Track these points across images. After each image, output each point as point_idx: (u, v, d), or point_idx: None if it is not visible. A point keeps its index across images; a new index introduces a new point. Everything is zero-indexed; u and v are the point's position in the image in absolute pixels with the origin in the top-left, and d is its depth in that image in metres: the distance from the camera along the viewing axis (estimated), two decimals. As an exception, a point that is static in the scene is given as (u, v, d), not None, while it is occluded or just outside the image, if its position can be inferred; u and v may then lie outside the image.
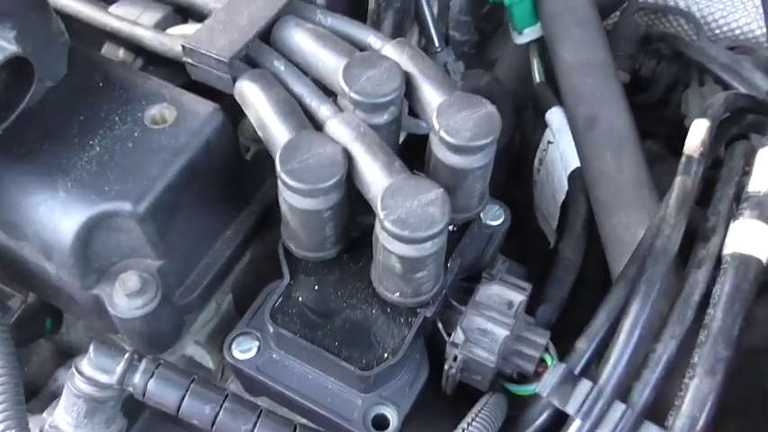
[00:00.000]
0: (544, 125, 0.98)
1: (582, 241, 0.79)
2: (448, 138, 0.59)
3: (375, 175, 0.57)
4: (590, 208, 0.82)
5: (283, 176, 0.56)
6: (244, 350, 0.66)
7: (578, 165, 0.86)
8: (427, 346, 0.68)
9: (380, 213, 0.55)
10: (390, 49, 0.65)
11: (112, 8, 0.75)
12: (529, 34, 1.00)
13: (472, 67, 1.11)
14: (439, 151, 0.61)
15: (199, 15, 0.75)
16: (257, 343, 0.66)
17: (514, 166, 1.11)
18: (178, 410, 0.53)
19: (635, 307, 0.63)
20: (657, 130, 1.11)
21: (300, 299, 0.65)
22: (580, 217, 0.81)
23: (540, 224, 1.00)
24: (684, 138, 0.76)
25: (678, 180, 0.69)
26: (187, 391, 0.53)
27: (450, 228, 0.70)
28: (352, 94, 0.61)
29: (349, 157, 0.59)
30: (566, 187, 0.87)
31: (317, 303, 0.65)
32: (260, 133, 0.62)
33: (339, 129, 0.60)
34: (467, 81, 0.99)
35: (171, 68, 0.70)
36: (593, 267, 0.83)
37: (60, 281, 0.61)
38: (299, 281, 0.66)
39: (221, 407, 0.53)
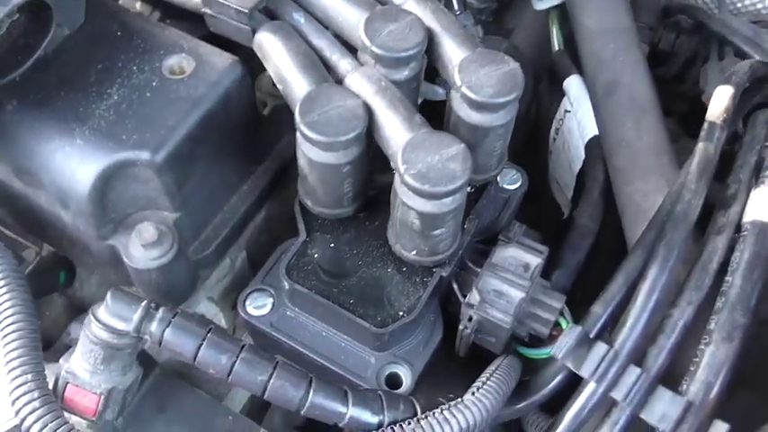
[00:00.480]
0: (560, 95, 0.97)
1: (599, 208, 0.78)
2: (470, 94, 0.58)
3: (396, 130, 0.57)
4: (607, 176, 0.81)
5: (303, 128, 0.56)
6: (258, 306, 0.66)
7: (596, 133, 0.85)
8: (442, 307, 0.68)
9: (401, 167, 0.54)
10: (412, 4, 0.64)
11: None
12: (549, 0, 0.99)
13: (490, 35, 1.10)
14: (460, 108, 0.60)
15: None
16: (271, 300, 0.66)
17: (530, 136, 1.10)
18: (195, 359, 0.53)
19: (653, 271, 0.62)
20: (673, 107, 1.09)
21: (316, 256, 0.65)
22: (597, 184, 0.80)
23: (555, 194, 0.99)
24: (700, 115, 0.75)
25: (700, 146, 0.68)
26: (204, 340, 0.53)
27: (468, 188, 0.69)
28: (374, 48, 0.60)
29: (369, 112, 0.58)
30: (582, 156, 0.86)
31: (332, 261, 0.65)
32: (279, 86, 0.61)
33: (360, 82, 0.59)
34: (486, 46, 0.97)
35: (188, 22, 0.69)
36: (608, 236, 0.82)
37: (76, 230, 0.60)
38: (315, 238, 0.66)
39: (238, 357, 0.53)
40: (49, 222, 0.62)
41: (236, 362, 0.53)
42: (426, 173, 0.54)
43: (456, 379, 0.67)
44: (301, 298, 0.64)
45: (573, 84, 0.93)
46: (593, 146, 0.85)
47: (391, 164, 0.57)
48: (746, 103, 0.79)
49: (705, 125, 0.70)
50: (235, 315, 0.72)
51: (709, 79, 1.04)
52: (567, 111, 0.96)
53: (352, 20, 0.62)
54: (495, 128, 0.60)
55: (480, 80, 0.58)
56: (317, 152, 0.57)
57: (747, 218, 0.66)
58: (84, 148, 0.57)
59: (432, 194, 0.54)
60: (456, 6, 0.90)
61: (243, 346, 0.54)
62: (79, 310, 0.73)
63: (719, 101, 0.71)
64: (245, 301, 0.66)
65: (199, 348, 0.53)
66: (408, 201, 0.56)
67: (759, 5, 1.13)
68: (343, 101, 0.57)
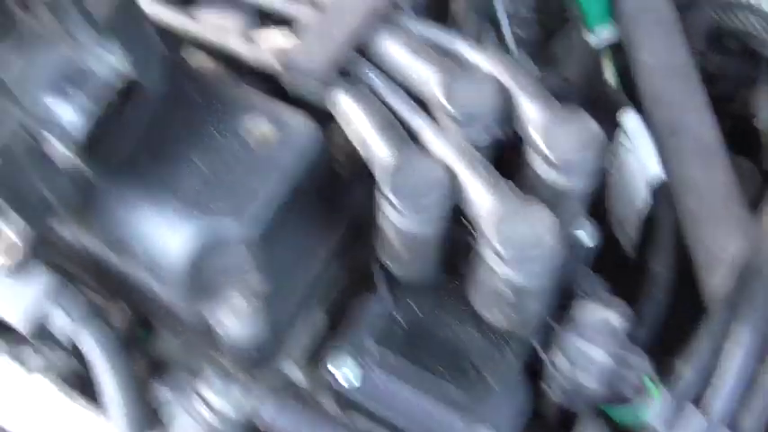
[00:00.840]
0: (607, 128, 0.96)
1: (673, 255, 0.77)
2: (550, 155, 0.57)
3: (482, 197, 0.55)
4: (676, 220, 0.80)
5: (391, 196, 0.55)
6: (341, 369, 0.64)
7: (658, 172, 0.84)
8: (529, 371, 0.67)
9: (495, 240, 0.53)
10: (485, 60, 0.63)
11: (194, 13, 0.73)
12: (600, 33, 0.97)
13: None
14: (542, 170, 0.59)
15: (277, 19, 0.73)
16: (356, 363, 0.64)
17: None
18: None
19: (745, 335, 0.61)
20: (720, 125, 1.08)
21: (401, 321, 0.64)
22: (668, 230, 0.79)
23: (615, 232, 0.98)
24: (749, 137, 0.73)
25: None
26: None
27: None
28: (452, 110, 0.59)
29: (454, 178, 0.57)
30: (645, 196, 0.85)
31: (416, 327, 0.64)
32: (359, 149, 0.60)
33: (441, 146, 0.58)
34: (546, 81, 0.96)
35: (256, 76, 0.68)
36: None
37: (166, 298, 0.60)
38: (398, 300, 0.65)
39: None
40: (137, 288, 0.61)
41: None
42: (524, 249, 0.53)
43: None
44: (390, 364, 0.63)
45: (630, 118, 0.92)
46: (661, 188, 0.83)
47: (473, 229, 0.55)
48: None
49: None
50: (315, 374, 0.70)
51: (761, 104, 1.02)
52: (623, 146, 0.95)
53: (426, 78, 0.61)
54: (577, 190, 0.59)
55: (561, 142, 0.57)
56: (402, 220, 0.56)
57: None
58: (177, 221, 0.56)
59: (529, 272, 0.53)
60: (512, 46, 0.88)
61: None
62: (157, 365, 0.72)
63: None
64: (328, 364, 0.64)
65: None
66: (497, 268, 0.54)
67: (809, 28, 1.12)
68: (427, 167, 0.56)
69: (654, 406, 0.60)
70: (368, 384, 0.63)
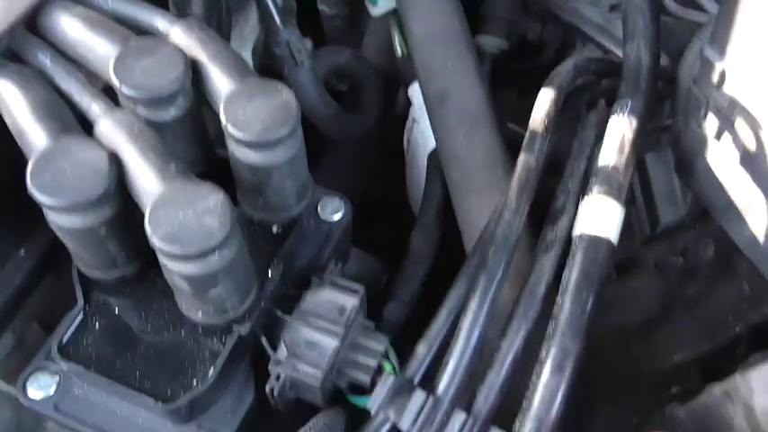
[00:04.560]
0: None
1: (434, 230, 0.73)
2: (236, 133, 0.51)
3: (146, 183, 0.49)
4: (446, 191, 0.75)
5: (34, 192, 0.48)
6: (42, 387, 0.58)
7: (434, 145, 0.79)
8: (259, 364, 0.61)
9: (148, 228, 0.47)
10: (178, 32, 0.56)
11: None
12: (384, 5, 0.92)
13: (345, 43, 1.03)
14: (234, 147, 0.53)
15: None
16: (57, 378, 0.58)
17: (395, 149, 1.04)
18: None
19: (473, 303, 0.57)
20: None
21: (98, 325, 0.57)
22: (434, 203, 0.75)
23: (412, 209, 0.93)
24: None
25: (520, 158, 0.63)
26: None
27: (275, 228, 0.62)
28: (125, 89, 0.52)
29: (120, 164, 0.50)
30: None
31: (116, 329, 0.57)
32: (18, 140, 0.52)
33: (108, 130, 0.51)
34: (322, 59, 0.91)
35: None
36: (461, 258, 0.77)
37: None
38: (97, 304, 0.58)
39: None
40: None
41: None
42: (177, 233, 0.46)
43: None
44: (83, 377, 0.56)
45: (416, 91, 0.87)
46: (433, 159, 0.79)
47: None
48: (580, 99, 0.74)
49: (527, 134, 0.65)
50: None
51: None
52: (414, 120, 0.90)
53: (105, 56, 0.54)
54: (277, 166, 0.54)
55: (248, 116, 0.51)
56: (60, 216, 0.50)
57: (576, 232, 0.61)
58: None
59: (186, 257, 0.47)
60: (277, 19, 0.82)
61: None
62: None
63: (540, 106, 0.66)
64: (25, 383, 0.58)
65: None
66: (168, 264, 0.48)
67: (619, -11, 1.10)
68: (84, 155, 0.49)
69: (376, 388, 0.54)
70: (64, 399, 0.57)
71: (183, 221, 0.47)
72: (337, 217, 0.67)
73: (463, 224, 0.72)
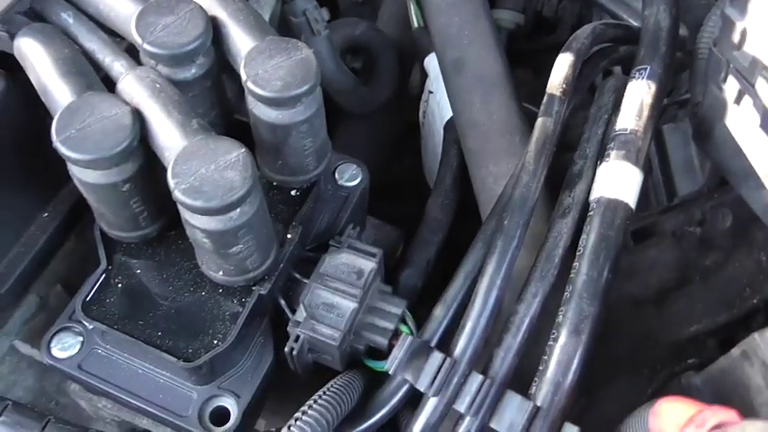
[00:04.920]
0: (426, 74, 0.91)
1: (451, 197, 0.73)
2: (256, 89, 0.51)
3: (169, 138, 0.49)
4: (462, 160, 0.75)
5: (59, 147, 0.48)
6: (65, 348, 0.58)
7: (450, 114, 0.79)
8: (278, 325, 0.62)
9: (171, 182, 0.47)
10: (198, -8, 0.56)
11: None
12: (398, -26, 0.92)
13: (358, 17, 1.03)
14: (254, 106, 0.53)
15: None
16: (81, 338, 0.59)
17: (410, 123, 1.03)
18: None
19: (490, 267, 0.57)
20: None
21: (120, 285, 0.58)
22: (450, 170, 0.75)
23: (428, 182, 0.93)
24: None
25: (538, 122, 0.63)
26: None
27: (293, 192, 0.63)
28: (147, 46, 0.52)
29: (143, 120, 0.51)
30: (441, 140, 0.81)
31: (139, 289, 0.58)
32: (42, 98, 0.53)
33: (131, 86, 0.52)
34: (337, 31, 0.91)
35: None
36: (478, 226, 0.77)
37: None
38: (120, 264, 0.59)
39: (-3, 420, 0.46)
40: None
41: (-6, 427, 0.46)
42: (199, 186, 0.47)
43: (301, 402, 0.61)
44: (106, 335, 0.56)
45: (432, 62, 0.87)
46: (449, 128, 0.79)
47: None
48: (597, 65, 0.74)
49: (544, 98, 0.64)
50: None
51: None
52: (430, 92, 0.90)
53: (127, 14, 0.55)
54: (296, 125, 0.54)
55: (268, 73, 0.51)
56: (84, 172, 0.50)
57: (593, 196, 0.61)
58: None
59: (208, 210, 0.47)
60: (294, -10, 0.82)
61: (6, 406, 0.46)
62: None
63: (558, 71, 0.65)
64: (49, 344, 0.58)
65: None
66: (190, 219, 0.49)
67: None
68: (108, 110, 0.50)
69: (394, 350, 0.55)
70: (88, 358, 0.57)
71: (206, 175, 0.47)
72: (355, 183, 0.67)
73: (479, 191, 0.72)
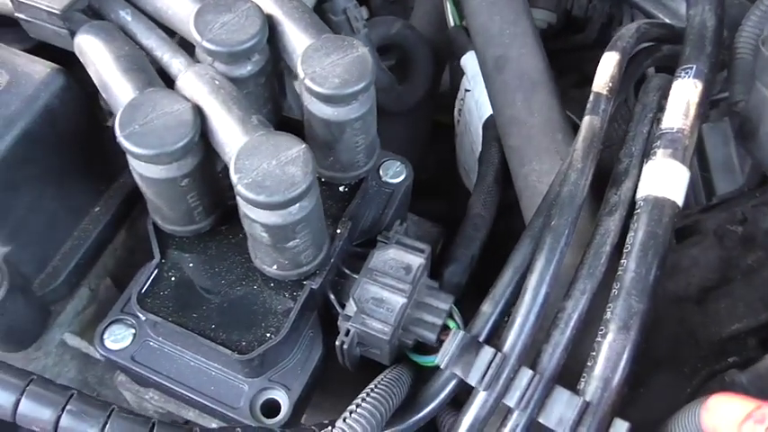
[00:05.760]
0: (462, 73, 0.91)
1: (494, 194, 0.73)
2: (314, 86, 0.52)
3: (229, 134, 0.50)
4: (503, 157, 0.76)
5: (123, 142, 0.49)
6: (118, 339, 0.60)
7: (492, 112, 0.80)
8: (326, 320, 0.62)
9: (234, 177, 0.48)
10: (253, -10, 0.57)
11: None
12: (437, -25, 0.93)
13: (393, 15, 1.03)
14: (309, 102, 0.54)
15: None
16: (133, 330, 0.60)
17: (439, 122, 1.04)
18: (14, 416, 0.46)
19: (540, 263, 0.57)
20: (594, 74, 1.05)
21: (173, 278, 0.59)
22: (492, 168, 0.75)
23: (463, 180, 0.94)
24: None
25: (585, 120, 0.63)
26: (23, 393, 0.47)
27: (341, 188, 0.63)
28: (206, 43, 0.53)
29: (202, 116, 0.51)
30: (480, 138, 0.81)
31: (192, 282, 0.59)
32: (103, 95, 0.54)
33: (191, 83, 0.53)
34: (374, 29, 0.91)
35: (17, 30, 0.61)
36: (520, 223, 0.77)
37: None
38: (172, 258, 0.60)
39: (64, 409, 0.47)
40: None
41: (61, 414, 0.46)
42: (262, 181, 0.47)
43: (349, 396, 0.62)
44: (161, 327, 0.57)
45: (469, 61, 0.88)
46: (489, 126, 0.80)
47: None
48: (641, 63, 0.74)
49: (591, 96, 0.65)
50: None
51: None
52: (466, 90, 0.90)
53: (184, 12, 0.56)
54: (351, 121, 0.54)
55: (325, 70, 0.52)
56: (145, 167, 0.51)
57: (640, 194, 0.61)
58: None
59: (270, 204, 0.48)
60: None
61: (71, 395, 0.47)
62: None
63: (604, 69, 0.66)
64: (102, 335, 0.59)
65: (17, 403, 0.46)
66: (250, 213, 0.50)
67: (668, -37, 1.09)
68: (169, 106, 0.50)
69: (444, 345, 0.55)
70: (141, 350, 0.58)
71: (268, 170, 0.48)
72: (399, 179, 0.68)
73: (522, 188, 0.72)
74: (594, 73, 0.80)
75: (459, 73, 0.97)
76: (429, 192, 0.97)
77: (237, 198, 0.49)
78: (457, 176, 0.98)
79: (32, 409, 0.46)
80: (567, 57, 1.06)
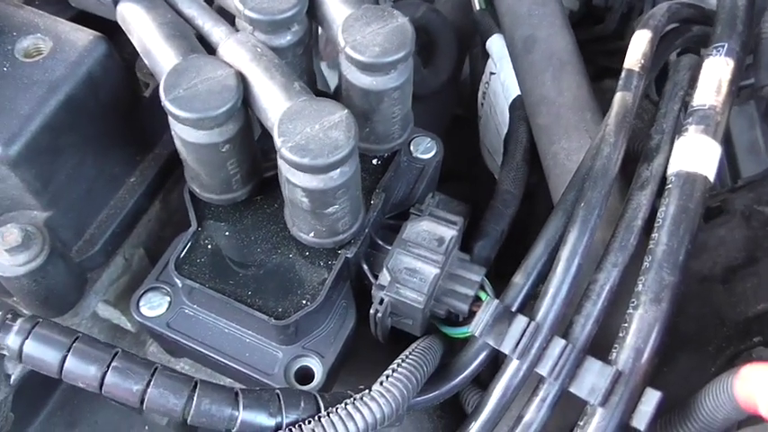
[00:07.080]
0: (487, 56, 0.92)
1: (522, 172, 0.74)
2: (355, 54, 0.52)
3: (272, 99, 0.51)
4: (531, 136, 0.76)
5: (168, 106, 0.50)
6: (153, 306, 0.60)
7: (519, 93, 0.80)
8: (358, 290, 0.63)
9: (278, 140, 0.49)
10: (292, -38, 0.58)
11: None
12: (464, -42, 0.93)
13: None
14: (349, 71, 0.55)
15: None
16: (168, 298, 0.60)
17: (469, 103, 1.04)
18: (60, 372, 0.47)
19: (572, 235, 0.58)
20: (613, 64, 1.05)
21: (210, 246, 0.59)
22: (520, 146, 0.76)
23: (486, 162, 0.94)
24: None
25: (617, 96, 0.64)
26: (69, 350, 0.47)
27: (374, 161, 0.64)
28: (247, 12, 0.54)
29: (244, 82, 0.52)
30: (508, 119, 0.82)
31: (228, 250, 0.59)
32: (146, 61, 0.55)
33: (233, 50, 0.53)
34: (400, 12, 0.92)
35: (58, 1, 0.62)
36: (544, 200, 0.78)
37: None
38: (209, 227, 0.60)
39: (109, 366, 0.47)
40: None
41: (107, 372, 0.47)
42: (305, 144, 0.48)
43: (380, 365, 0.62)
44: (196, 294, 0.58)
45: (495, 44, 0.88)
46: (516, 106, 0.80)
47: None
48: (671, 43, 0.74)
49: (623, 73, 0.65)
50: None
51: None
52: (492, 73, 0.91)
53: (224, -17, 0.56)
54: (389, 91, 0.55)
55: (366, 39, 0.53)
56: (188, 131, 0.52)
57: (672, 169, 0.62)
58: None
59: (314, 168, 0.48)
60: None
61: (116, 354, 0.48)
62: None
63: (636, 46, 0.66)
64: (138, 302, 0.60)
65: (64, 360, 0.47)
66: (292, 177, 0.50)
67: (690, -48, 1.09)
68: (213, 72, 0.51)
69: (478, 314, 0.56)
70: (176, 317, 0.59)
71: (311, 134, 0.48)
72: (430, 155, 0.69)
73: (551, 166, 0.73)
74: (611, 65, 0.80)
75: (479, 60, 0.98)
76: (448, 177, 0.97)
77: (279, 162, 0.50)
78: (477, 162, 0.99)
79: (78, 366, 0.47)
80: (583, 49, 1.07)
